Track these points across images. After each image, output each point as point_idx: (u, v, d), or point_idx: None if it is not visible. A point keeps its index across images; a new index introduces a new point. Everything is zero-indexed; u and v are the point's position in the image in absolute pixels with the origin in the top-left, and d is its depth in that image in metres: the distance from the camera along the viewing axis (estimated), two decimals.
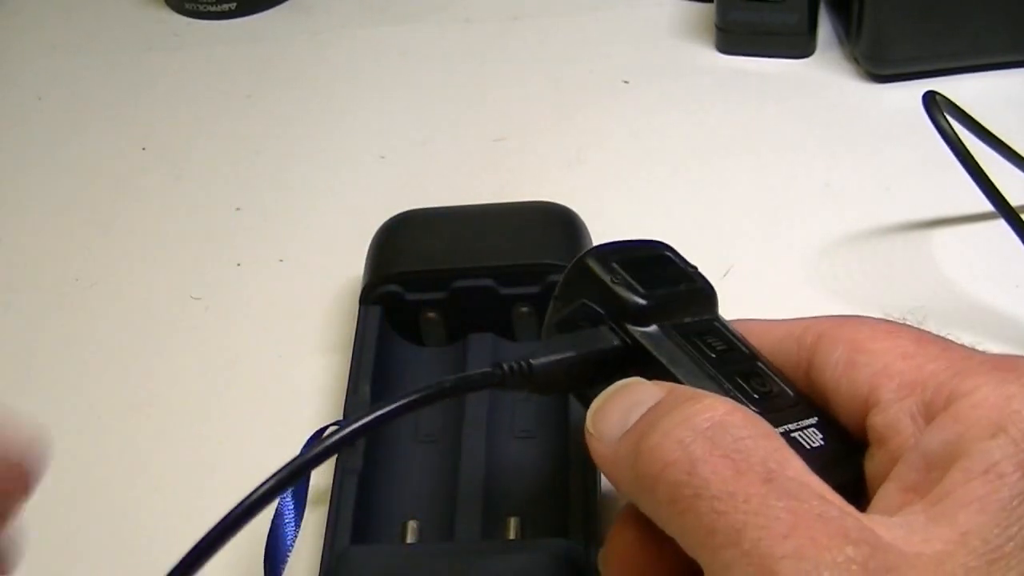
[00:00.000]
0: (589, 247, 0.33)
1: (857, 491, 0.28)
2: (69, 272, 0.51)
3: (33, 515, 0.42)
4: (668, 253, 0.34)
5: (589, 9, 0.63)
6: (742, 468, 0.24)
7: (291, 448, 0.39)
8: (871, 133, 0.54)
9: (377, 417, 0.28)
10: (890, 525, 0.24)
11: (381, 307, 0.43)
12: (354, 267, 0.45)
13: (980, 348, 0.29)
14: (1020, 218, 0.43)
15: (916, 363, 0.28)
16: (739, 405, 0.27)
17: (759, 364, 0.31)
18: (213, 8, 0.65)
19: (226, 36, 0.65)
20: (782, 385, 0.30)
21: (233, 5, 0.65)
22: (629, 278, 0.31)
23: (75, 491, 0.42)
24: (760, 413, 0.27)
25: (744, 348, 0.31)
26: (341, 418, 0.40)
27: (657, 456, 0.25)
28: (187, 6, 0.66)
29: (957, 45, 0.54)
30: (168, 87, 0.62)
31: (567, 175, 0.53)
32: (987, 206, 0.43)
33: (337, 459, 0.39)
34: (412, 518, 0.38)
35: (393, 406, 0.28)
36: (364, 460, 0.38)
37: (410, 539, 0.37)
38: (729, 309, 0.33)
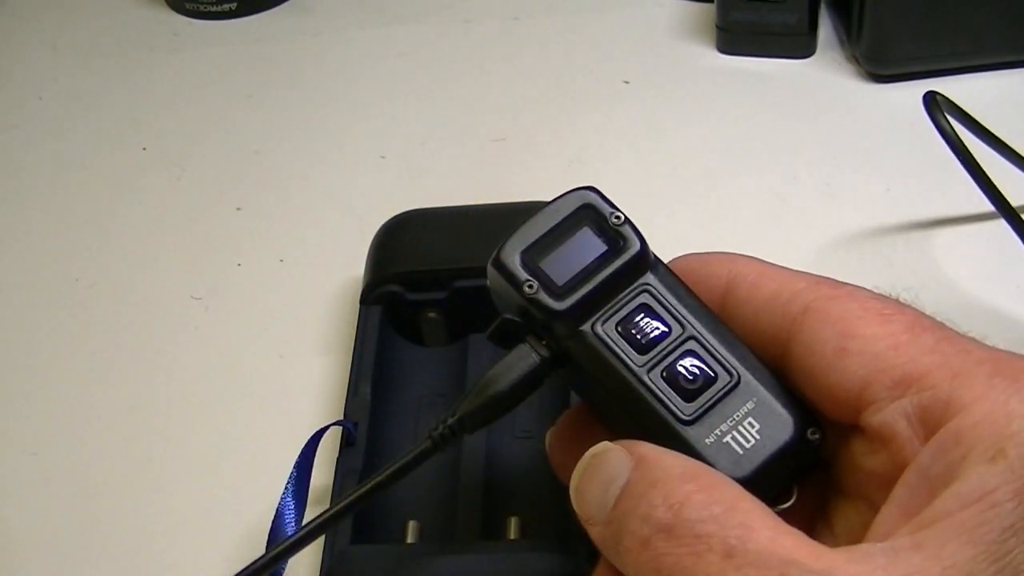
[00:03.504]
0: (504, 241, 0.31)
1: (804, 475, 0.28)
2: (69, 272, 0.51)
3: (33, 516, 0.42)
4: (588, 213, 0.31)
5: (589, 9, 0.63)
6: (701, 551, 0.25)
7: (291, 448, 0.39)
8: (871, 133, 0.54)
9: (321, 524, 0.31)
10: (871, 554, 0.24)
11: (381, 307, 0.43)
12: (354, 267, 0.45)
13: None
14: (1020, 218, 0.42)
15: (909, 355, 0.27)
16: (699, 472, 0.27)
17: (695, 340, 0.29)
18: (213, 8, 0.65)
19: (226, 36, 0.65)
20: (722, 363, 0.29)
21: (233, 5, 0.65)
22: (546, 276, 0.30)
23: (75, 491, 0.42)
24: (691, 425, 0.28)
25: (679, 320, 0.30)
26: (342, 418, 0.40)
27: (630, 559, 0.26)
28: (187, 6, 0.66)
29: (957, 45, 0.54)
30: (168, 87, 0.62)
31: (567, 175, 0.53)
32: (987, 206, 0.43)
33: (337, 459, 0.39)
34: (412, 518, 0.38)
35: (334, 510, 0.30)
36: (364, 460, 0.38)
37: (410, 539, 0.37)
38: None
